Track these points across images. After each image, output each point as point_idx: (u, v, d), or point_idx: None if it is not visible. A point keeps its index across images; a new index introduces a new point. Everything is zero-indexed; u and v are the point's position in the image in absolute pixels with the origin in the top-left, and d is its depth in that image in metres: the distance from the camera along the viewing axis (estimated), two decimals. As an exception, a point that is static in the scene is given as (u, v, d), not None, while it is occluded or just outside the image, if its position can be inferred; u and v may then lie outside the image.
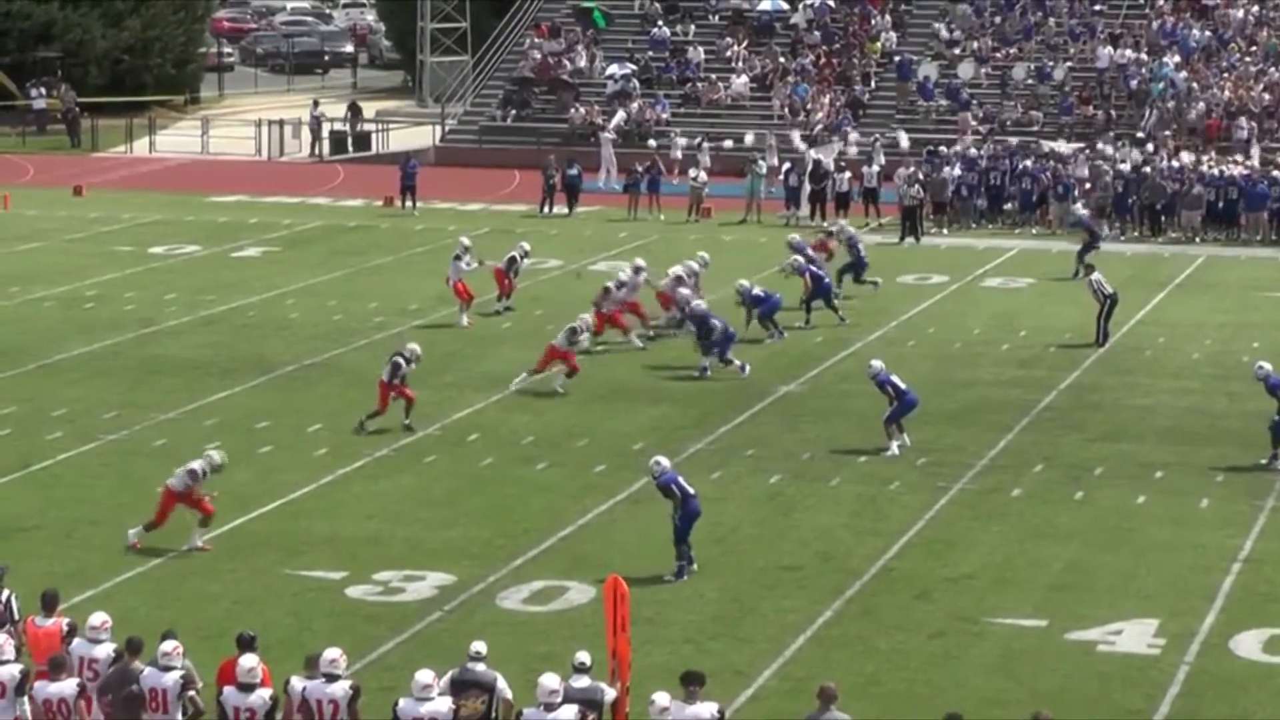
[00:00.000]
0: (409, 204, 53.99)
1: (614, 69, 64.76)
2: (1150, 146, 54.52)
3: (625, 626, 18.98)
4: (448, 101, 68.16)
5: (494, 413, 32.44)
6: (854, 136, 58.46)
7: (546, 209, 53.41)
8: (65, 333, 38.00)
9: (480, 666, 17.86)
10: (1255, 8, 63.64)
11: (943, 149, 54.30)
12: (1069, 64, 62.06)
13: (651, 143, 58.04)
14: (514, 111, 64.65)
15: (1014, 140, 55.58)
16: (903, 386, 30.22)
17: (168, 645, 17.67)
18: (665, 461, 24.94)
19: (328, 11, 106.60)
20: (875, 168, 52.75)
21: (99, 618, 18.38)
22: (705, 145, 56.95)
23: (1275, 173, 50.89)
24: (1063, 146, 54.98)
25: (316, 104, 68.50)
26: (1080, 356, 36.71)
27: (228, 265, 45.95)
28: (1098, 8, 64.86)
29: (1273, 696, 21.04)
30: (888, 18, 65.83)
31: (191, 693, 17.54)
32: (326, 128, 66.89)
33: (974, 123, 59.16)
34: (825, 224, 47.58)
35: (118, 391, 33.50)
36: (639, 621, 20.52)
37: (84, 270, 44.55)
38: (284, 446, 30.18)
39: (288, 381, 34.56)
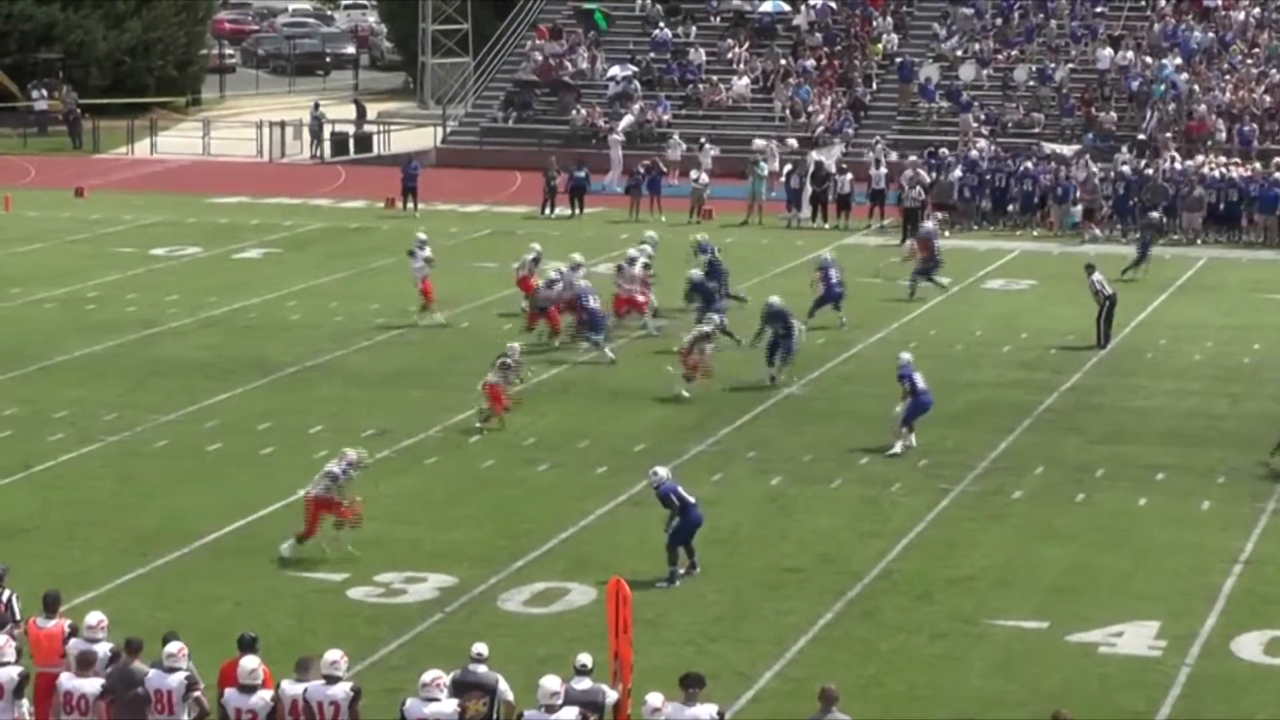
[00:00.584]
0: (410, 205, 54.00)
1: (615, 70, 64.81)
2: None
3: (627, 628, 18.98)
4: (449, 103, 68.20)
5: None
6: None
7: (548, 210, 53.44)
8: (66, 334, 38.01)
9: (482, 668, 17.85)
10: (1257, 9, 63.63)
11: (944, 151, 54.32)
12: (1070, 65, 62.08)
13: (674, 146, 58.04)
14: (515, 113, 64.69)
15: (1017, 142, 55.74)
16: (921, 386, 30.23)
17: (172, 647, 17.66)
18: (664, 471, 24.90)
19: (329, 13, 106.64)
20: (882, 170, 52.76)
21: (95, 617, 18.37)
22: (707, 146, 56.97)
23: (1278, 174, 50.88)
24: (1064, 149, 55.03)
25: (317, 105, 68.55)
26: (1082, 358, 36.71)
27: (229, 267, 45.96)
28: (1099, 9, 64.85)
29: (1274, 698, 21.03)
30: (889, 19, 65.86)
31: (197, 693, 17.53)
32: (328, 129, 66.93)
33: (975, 124, 59.19)
34: (924, 226, 46.08)
35: (119, 393, 33.51)
36: (640, 623, 20.51)
37: (85, 272, 44.56)
38: (285, 448, 30.17)
39: (289, 383, 34.56)
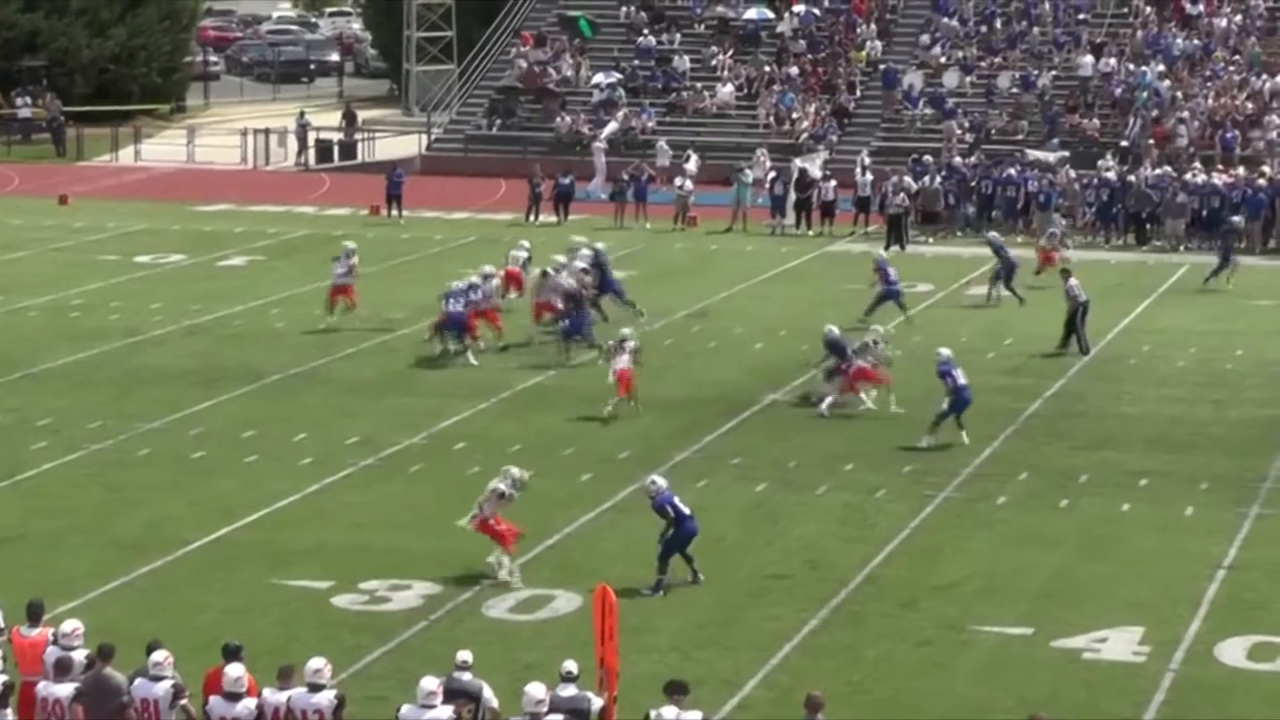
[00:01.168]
0: (395, 213, 53.98)
1: (600, 78, 64.83)
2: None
3: (613, 635, 18.97)
4: (434, 110, 68.20)
5: (481, 421, 32.44)
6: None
7: (533, 217, 53.43)
8: (50, 342, 37.95)
9: (466, 675, 17.85)
10: (1239, 17, 63.78)
11: (928, 158, 54.36)
12: (1053, 72, 62.17)
13: (661, 152, 58.06)
14: (500, 120, 64.65)
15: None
16: (962, 381, 30.71)
17: (158, 655, 17.64)
18: (661, 481, 24.90)
19: (313, 20, 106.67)
20: (868, 176, 52.80)
21: (71, 625, 18.35)
22: (692, 154, 56.97)
23: (1260, 180, 50.97)
24: (1048, 155, 55.08)
25: (303, 113, 68.52)
26: (1066, 365, 36.76)
27: (213, 274, 45.91)
28: (1082, 17, 64.96)
29: (1258, 703, 21.08)
30: (873, 26, 65.91)
31: (183, 701, 17.51)
32: (312, 136, 66.90)
33: (959, 131, 59.25)
34: (1050, 237, 46.38)
35: (103, 401, 33.45)
36: (625, 630, 20.48)
37: (69, 279, 44.49)
38: (270, 456, 30.14)
39: (274, 391, 34.53)
